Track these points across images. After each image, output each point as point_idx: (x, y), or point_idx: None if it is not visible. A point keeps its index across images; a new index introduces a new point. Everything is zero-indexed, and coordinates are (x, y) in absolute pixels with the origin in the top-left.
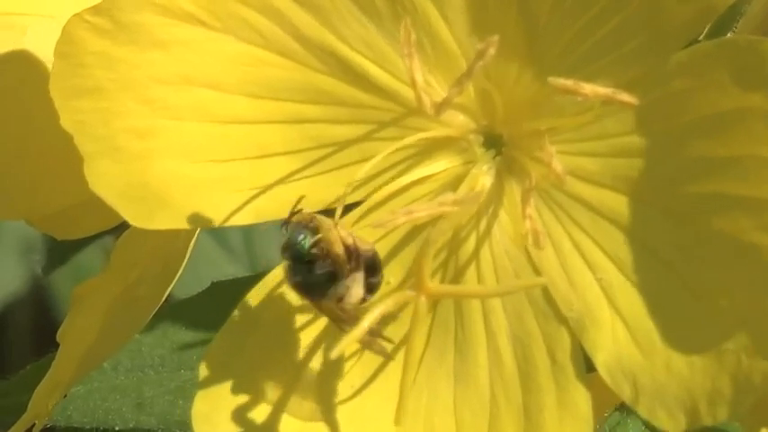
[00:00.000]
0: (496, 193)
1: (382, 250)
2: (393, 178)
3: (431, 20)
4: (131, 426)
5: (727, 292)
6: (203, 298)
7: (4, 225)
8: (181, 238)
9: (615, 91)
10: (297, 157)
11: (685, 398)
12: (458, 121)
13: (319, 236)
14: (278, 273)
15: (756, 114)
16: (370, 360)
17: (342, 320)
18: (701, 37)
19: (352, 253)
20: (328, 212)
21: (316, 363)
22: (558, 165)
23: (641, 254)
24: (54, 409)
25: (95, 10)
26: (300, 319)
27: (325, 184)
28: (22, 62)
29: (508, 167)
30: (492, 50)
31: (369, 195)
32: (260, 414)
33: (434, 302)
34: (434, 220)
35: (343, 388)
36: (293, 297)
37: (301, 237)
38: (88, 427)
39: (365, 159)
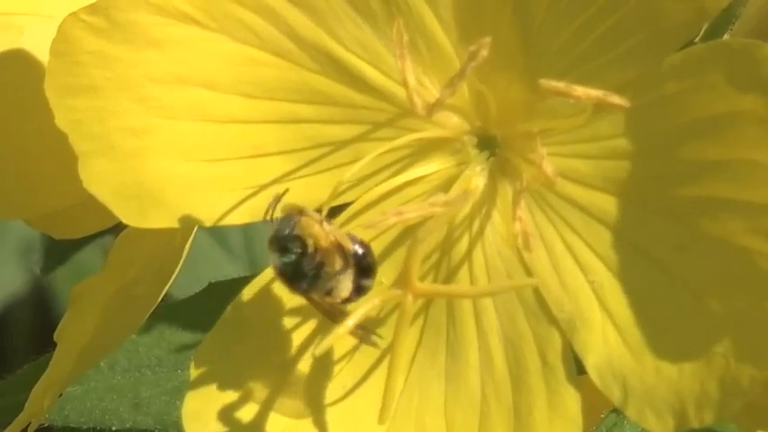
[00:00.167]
0: (489, 195)
1: (374, 251)
2: (387, 179)
3: (425, 21)
4: (128, 426)
5: (717, 295)
6: (200, 298)
7: (4, 225)
8: (178, 238)
9: (607, 93)
10: (291, 156)
11: (674, 400)
12: (452, 123)
13: (301, 223)
14: (270, 272)
15: (749, 118)
16: (362, 360)
17: (331, 314)
18: (696, 39)
19: (341, 249)
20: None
21: (307, 362)
22: (548, 166)
23: (632, 256)
24: (51, 409)
25: (91, 9)
26: (292, 319)
27: (320, 183)
28: (19, 62)
29: (501, 169)
30: (484, 52)
31: (362, 196)
32: (250, 412)
33: (427, 303)
34: (426, 221)
35: (335, 388)
36: (285, 297)
37: (287, 230)
38: (85, 426)
39: (359, 160)
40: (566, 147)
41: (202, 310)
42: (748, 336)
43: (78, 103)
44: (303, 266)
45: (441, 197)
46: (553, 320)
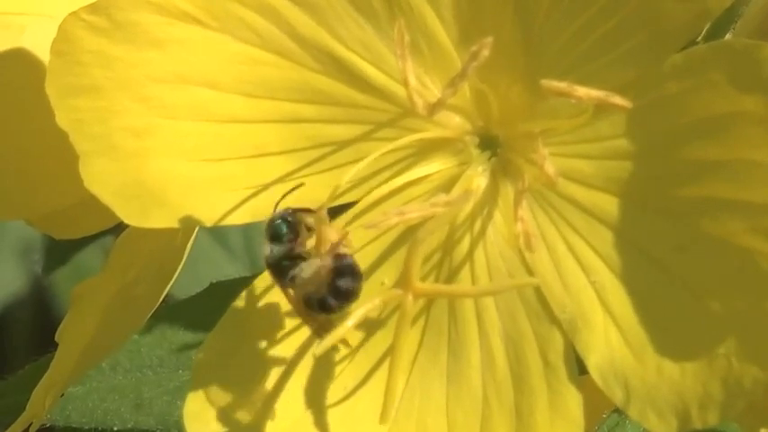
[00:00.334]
0: (491, 195)
1: (376, 251)
2: (389, 179)
3: (427, 21)
4: (130, 426)
5: (719, 296)
6: (202, 298)
7: (4, 225)
8: (179, 238)
9: (608, 94)
10: (293, 156)
11: (676, 401)
12: (454, 123)
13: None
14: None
15: (750, 118)
16: (363, 361)
17: (302, 316)
18: (698, 39)
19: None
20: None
21: (307, 363)
22: (549, 167)
23: (634, 256)
24: (53, 410)
25: (92, 8)
26: (293, 319)
27: (321, 183)
28: (20, 61)
29: (503, 169)
30: (486, 52)
31: (364, 196)
32: (251, 413)
33: (428, 304)
34: (427, 221)
35: (336, 388)
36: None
37: (280, 220)
38: (87, 427)
39: (361, 160)
40: (567, 147)
41: (204, 310)
42: (750, 336)
43: (80, 102)
44: (292, 256)
45: (442, 197)
46: (555, 321)
